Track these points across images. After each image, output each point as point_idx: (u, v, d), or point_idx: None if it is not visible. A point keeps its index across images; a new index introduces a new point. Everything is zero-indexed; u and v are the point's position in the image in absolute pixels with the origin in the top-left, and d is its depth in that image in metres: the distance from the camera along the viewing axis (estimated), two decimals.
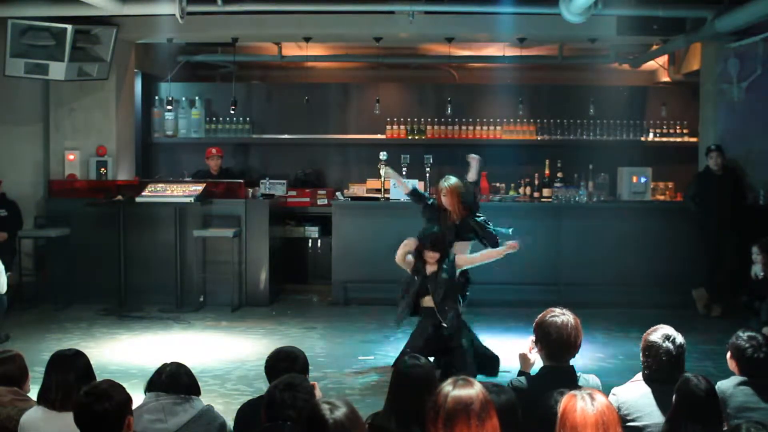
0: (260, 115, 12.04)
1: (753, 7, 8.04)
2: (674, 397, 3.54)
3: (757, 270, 7.93)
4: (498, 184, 10.98)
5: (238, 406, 4.19)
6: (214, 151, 10.72)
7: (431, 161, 9.66)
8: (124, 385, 3.39)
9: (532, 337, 4.06)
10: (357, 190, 11.15)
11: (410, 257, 6.78)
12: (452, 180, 7.15)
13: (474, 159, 7.63)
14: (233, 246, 9.54)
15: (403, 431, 3.47)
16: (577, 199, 10.00)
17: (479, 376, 6.15)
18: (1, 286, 7.60)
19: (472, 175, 7.60)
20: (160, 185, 9.74)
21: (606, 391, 3.56)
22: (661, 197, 11.01)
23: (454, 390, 2.99)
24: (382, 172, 8.69)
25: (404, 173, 9.77)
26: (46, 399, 3.80)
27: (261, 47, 12.41)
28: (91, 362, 4.02)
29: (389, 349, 7.55)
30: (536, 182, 10.49)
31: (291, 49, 12.16)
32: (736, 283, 8.73)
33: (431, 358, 5.92)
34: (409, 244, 6.81)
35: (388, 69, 12.75)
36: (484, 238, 7.19)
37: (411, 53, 12.75)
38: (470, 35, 10.84)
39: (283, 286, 10.40)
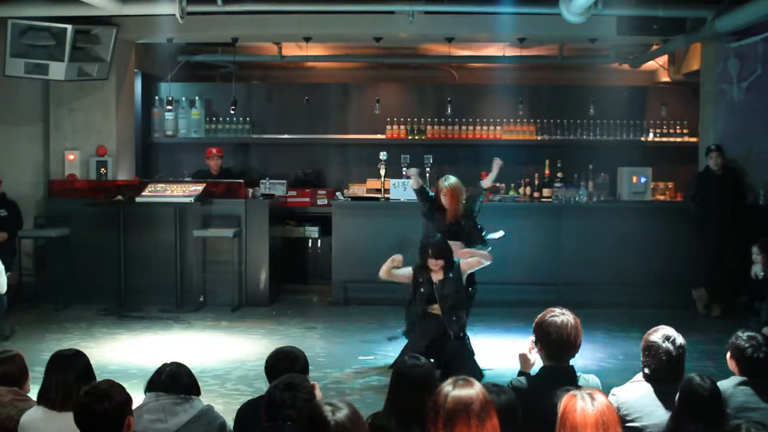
0: (260, 115, 12.03)
1: (753, 7, 8.04)
2: (677, 396, 3.54)
3: (757, 270, 7.92)
4: (498, 184, 10.94)
5: (238, 406, 4.19)
6: (214, 151, 10.72)
7: (431, 161, 9.66)
8: (124, 385, 3.39)
9: (532, 338, 4.06)
10: (357, 190, 11.15)
11: (404, 270, 6.74)
12: (452, 180, 7.16)
13: (497, 164, 7.59)
14: (233, 246, 9.54)
15: (403, 431, 3.47)
16: (577, 199, 10.00)
17: None
18: (1, 286, 7.60)
19: (487, 182, 7.54)
20: (160, 185, 9.74)
21: (606, 391, 3.56)
22: (661, 197, 11.01)
23: (454, 390, 3.00)
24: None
25: (404, 173, 9.78)
26: (46, 399, 3.80)
27: (261, 47, 12.41)
28: (91, 362, 4.02)
29: (389, 349, 7.54)
30: (536, 182, 10.49)
31: (291, 49, 12.16)
32: (736, 283, 8.73)
33: (431, 360, 5.92)
34: (396, 259, 6.80)
35: (388, 69, 12.75)
36: (474, 242, 7.18)
37: (411, 53, 12.75)
38: (470, 35, 10.84)
39: (283, 286, 10.40)
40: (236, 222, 9.66)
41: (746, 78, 9.72)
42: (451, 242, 7.03)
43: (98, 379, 3.68)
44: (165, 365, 3.91)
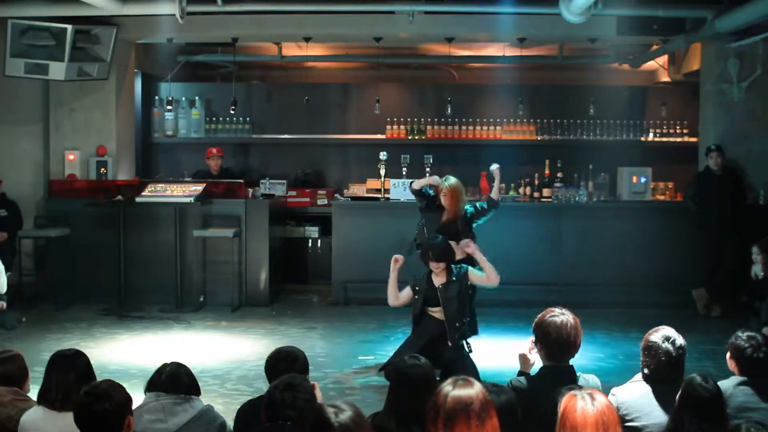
0: (260, 115, 12.04)
1: (753, 7, 8.04)
2: (678, 396, 3.53)
3: (757, 270, 7.93)
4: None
5: (238, 406, 4.20)
6: (214, 151, 10.72)
7: (431, 161, 9.66)
8: (124, 385, 3.39)
9: (532, 338, 4.06)
10: (357, 190, 11.15)
11: (405, 292, 6.70)
12: (452, 180, 7.15)
13: (497, 172, 7.52)
14: (233, 246, 9.54)
15: (403, 431, 3.47)
16: (577, 199, 10.00)
17: None
18: (1, 286, 7.60)
19: (495, 193, 7.41)
20: (160, 185, 9.74)
21: (606, 391, 3.56)
22: (661, 197, 11.02)
23: (454, 390, 3.00)
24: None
25: (404, 173, 9.79)
26: (46, 399, 3.80)
27: (261, 47, 12.41)
28: (91, 362, 4.02)
29: (389, 349, 7.53)
30: (536, 182, 10.49)
31: (291, 49, 12.16)
32: (736, 283, 8.73)
33: None
34: (398, 260, 6.74)
35: (388, 69, 12.75)
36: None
37: (411, 53, 12.75)
38: (470, 35, 10.84)
39: (283, 286, 10.40)
40: (236, 222, 9.66)
41: (746, 78, 9.72)
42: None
43: (98, 379, 3.68)
44: (165, 365, 3.91)
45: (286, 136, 11.93)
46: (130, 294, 9.40)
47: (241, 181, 10.07)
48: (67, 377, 3.81)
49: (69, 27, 9.08)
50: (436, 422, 2.97)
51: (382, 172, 9.81)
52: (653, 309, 8.55)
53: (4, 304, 7.88)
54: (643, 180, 10.16)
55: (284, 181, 10.69)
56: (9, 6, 8.94)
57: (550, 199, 10.17)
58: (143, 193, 9.53)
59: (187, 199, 9.39)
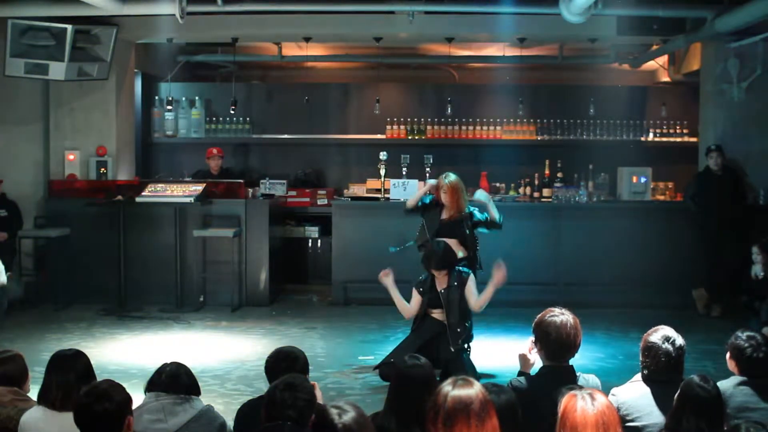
0: (260, 115, 12.04)
1: (753, 7, 8.04)
2: (677, 395, 3.53)
3: (757, 270, 7.93)
4: (498, 184, 10.98)
5: (238, 406, 4.20)
6: (215, 151, 10.72)
7: (431, 161, 9.67)
8: (124, 385, 3.39)
9: (532, 338, 4.06)
10: (357, 190, 11.15)
11: (414, 298, 6.71)
12: (452, 177, 7.14)
13: (481, 196, 7.41)
14: (233, 246, 9.54)
15: (403, 431, 3.47)
16: (577, 199, 10.00)
17: None
18: (3, 279, 7.59)
19: (495, 213, 7.26)
20: (160, 185, 9.74)
21: (606, 391, 3.56)
22: (661, 197, 11.01)
23: (453, 390, 3.00)
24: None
25: (404, 173, 9.79)
26: (46, 399, 3.80)
27: (261, 47, 12.41)
28: (91, 362, 4.02)
29: (389, 349, 7.52)
30: (536, 182, 10.48)
31: (291, 49, 12.16)
32: (736, 283, 8.73)
33: None
34: (387, 273, 6.74)
35: (388, 69, 12.75)
36: (467, 247, 7.12)
37: (411, 53, 12.75)
38: (470, 35, 10.84)
39: (283, 286, 10.40)
40: (236, 222, 9.66)
41: (746, 78, 9.71)
42: (447, 240, 7.02)
43: (98, 379, 3.68)
44: (165, 365, 3.91)
45: (286, 136, 11.93)
46: (130, 294, 9.40)
47: (241, 181, 10.07)
48: (67, 377, 3.80)
49: (69, 27, 9.08)
50: (435, 422, 2.97)
51: (382, 172, 9.81)
52: (653, 309, 8.54)
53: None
54: (643, 180, 10.16)
55: (284, 181, 10.69)
56: (9, 6, 8.94)
57: (550, 199, 10.17)
58: (143, 193, 9.53)
59: (187, 199, 9.39)
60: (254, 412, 3.73)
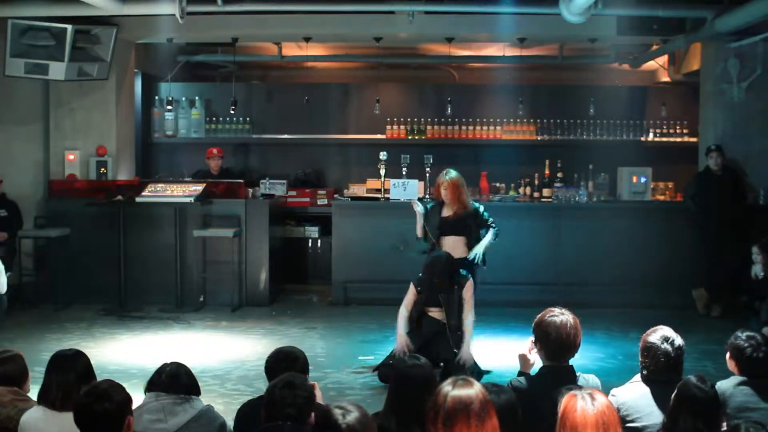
0: (260, 115, 12.04)
1: (753, 7, 8.04)
2: (673, 396, 3.53)
3: (757, 270, 7.93)
4: (498, 184, 10.98)
5: (238, 406, 4.20)
6: (215, 151, 10.72)
7: (431, 161, 9.64)
8: (124, 385, 3.39)
9: (532, 338, 4.06)
10: (357, 190, 11.15)
11: (409, 294, 6.73)
12: (453, 173, 7.12)
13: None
14: (233, 246, 9.54)
15: (403, 431, 3.47)
16: (577, 199, 10.00)
17: None
18: (1, 286, 7.59)
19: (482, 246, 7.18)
20: (160, 185, 9.74)
21: (606, 391, 3.56)
22: (661, 197, 11.02)
23: (453, 390, 3.00)
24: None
25: (404, 173, 9.77)
26: (46, 399, 3.80)
27: (261, 47, 12.41)
28: (91, 362, 4.02)
29: (389, 349, 7.52)
30: (536, 182, 10.48)
31: (291, 49, 12.16)
32: (736, 283, 8.73)
33: None
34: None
35: (388, 69, 12.75)
36: (476, 237, 7.12)
37: (411, 53, 12.75)
38: (470, 35, 10.84)
39: (283, 286, 10.40)
40: (236, 222, 9.66)
41: (746, 78, 9.72)
42: (453, 237, 7.01)
43: (98, 379, 3.68)
44: (165, 365, 3.91)
45: (286, 136, 11.93)
46: (130, 294, 9.40)
47: (241, 181, 10.07)
48: (67, 377, 3.81)
49: (69, 27, 9.08)
50: (435, 422, 2.97)
51: (382, 172, 9.80)
52: (653, 309, 8.54)
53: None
54: (643, 180, 10.16)
55: (284, 181, 10.68)
56: (9, 6, 8.94)
57: (550, 199, 10.17)
58: (143, 193, 9.53)
59: (187, 199, 9.39)
60: (254, 412, 3.73)
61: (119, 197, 9.43)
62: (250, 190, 9.97)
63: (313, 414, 3.28)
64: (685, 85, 11.83)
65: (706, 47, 10.18)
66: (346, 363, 7.28)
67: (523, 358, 4.18)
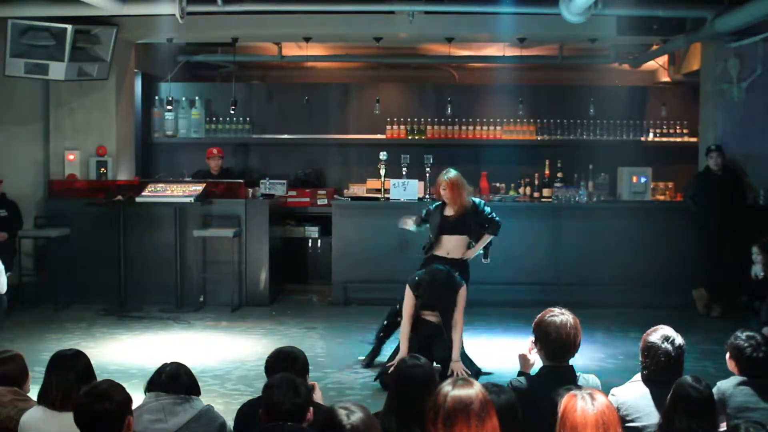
0: (260, 115, 12.04)
1: (753, 7, 8.04)
2: (669, 396, 3.54)
3: (757, 270, 7.93)
4: (498, 184, 10.98)
5: (238, 406, 4.20)
6: (215, 151, 10.72)
7: (431, 161, 9.67)
8: (124, 385, 3.39)
9: (532, 338, 4.06)
10: (357, 190, 11.15)
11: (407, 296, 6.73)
12: (452, 173, 7.12)
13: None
14: (233, 246, 9.54)
15: (403, 431, 3.47)
16: (577, 199, 10.00)
17: None
18: (1, 286, 7.59)
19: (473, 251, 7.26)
20: (160, 185, 9.74)
21: (606, 391, 3.56)
22: (661, 197, 11.02)
23: (453, 390, 3.00)
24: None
25: (404, 173, 9.79)
26: (46, 399, 3.80)
27: (261, 47, 12.41)
28: (91, 362, 4.02)
29: (389, 349, 7.52)
30: (536, 182, 10.48)
31: (291, 49, 12.16)
32: (736, 283, 8.73)
33: None
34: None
35: (388, 69, 12.75)
36: (479, 234, 7.12)
37: (411, 53, 12.75)
38: (470, 35, 10.84)
39: (283, 286, 10.40)
40: (236, 222, 9.66)
41: (746, 78, 9.71)
42: (454, 236, 7.00)
43: (98, 379, 3.68)
44: (165, 365, 3.91)
45: (286, 136, 11.93)
46: (130, 294, 9.40)
47: (241, 181, 10.07)
48: (67, 377, 3.81)
49: (69, 27, 9.08)
50: (435, 422, 2.97)
51: (382, 172, 9.81)
52: (653, 309, 8.53)
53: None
54: (643, 180, 10.16)
55: (284, 181, 10.68)
56: (9, 6, 8.93)
57: (550, 199, 10.17)
58: (143, 193, 9.53)
59: (187, 199, 9.39)
60: (254, 412, 3.73)
61: (119, 197, 9.43)
62: (250, 190, 9.96)
63: (310, 412, 3.29)
64: (685, 85, 11.83)
65: (706, 47, 10.18)
66: (346, 363, 7.27)
67: (523, 358, 4.18)
